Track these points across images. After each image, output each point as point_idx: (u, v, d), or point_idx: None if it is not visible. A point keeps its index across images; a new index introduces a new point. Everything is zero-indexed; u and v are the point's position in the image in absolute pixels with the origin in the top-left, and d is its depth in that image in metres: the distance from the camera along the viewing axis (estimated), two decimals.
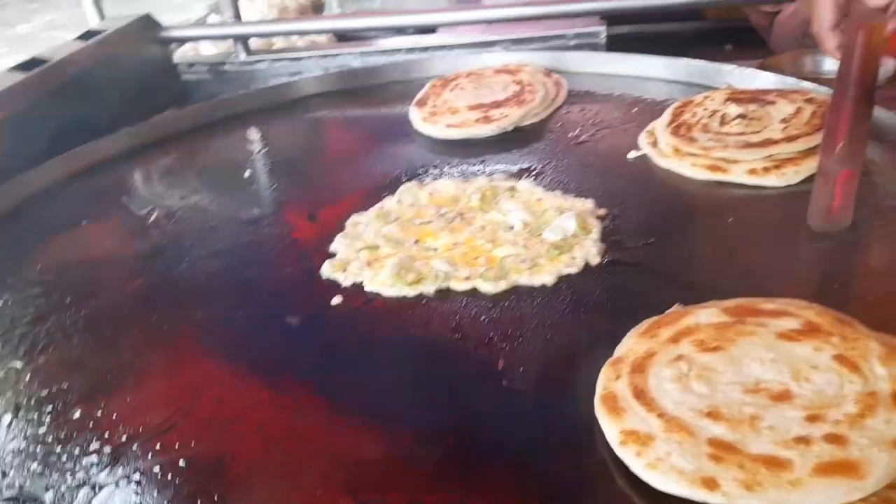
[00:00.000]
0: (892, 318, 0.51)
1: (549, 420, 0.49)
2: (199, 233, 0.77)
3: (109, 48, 1.08)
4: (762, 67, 0.92)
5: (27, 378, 0.58)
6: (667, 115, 0.82)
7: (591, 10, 1.02)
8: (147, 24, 1.16)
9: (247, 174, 0.89)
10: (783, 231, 0.67)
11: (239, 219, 0.79)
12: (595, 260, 0.64)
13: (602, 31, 1.08)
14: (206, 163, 0.95)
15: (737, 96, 0.82)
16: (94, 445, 0.50)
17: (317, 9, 1.73)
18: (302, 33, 1.21)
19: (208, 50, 1.29)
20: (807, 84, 0.83)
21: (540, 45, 1.10)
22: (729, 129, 0.77)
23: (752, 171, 0.72)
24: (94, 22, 1.17)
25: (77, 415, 0.53)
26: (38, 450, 0.51)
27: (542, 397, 0.51)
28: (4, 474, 0.49)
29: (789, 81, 0.85)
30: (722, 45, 1.83)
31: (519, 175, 0.80)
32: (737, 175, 0.72)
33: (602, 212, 0.71)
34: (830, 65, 0.92)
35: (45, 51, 1.05)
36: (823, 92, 0.80)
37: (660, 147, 0.79)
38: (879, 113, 0.76)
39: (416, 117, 0.94)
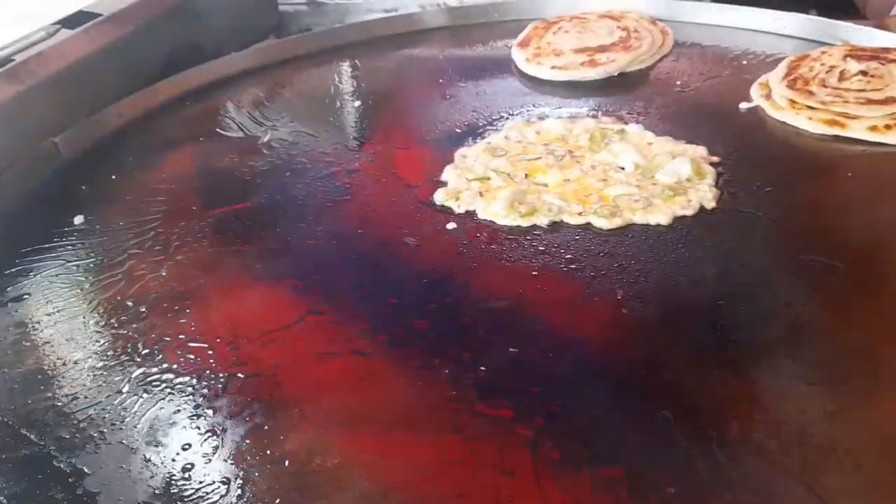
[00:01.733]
0: None
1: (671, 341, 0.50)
2: (311, 154, 0.80)
3: None
4: (881, 27, 0.89)
5: (164, 273, 0.62)
6: (782, 68, 0.81)
7: None
8: None
9: (354, 104, 0.90)
10: None
11: (347, 146, 0.81)
12: (710, 204, 0.64)
13: None
14: (310, 91, 0.96)
15: (856, 53, 0.80)
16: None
17: None
18: None
19: None
20: None
21: None
22: (849, 85, 0.75)
23: (874, 128, 0.71)
24: None
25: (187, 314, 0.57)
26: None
27: (662, 326, 0.52)
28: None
29: None
30: (807, 8, 1.77)
31: (627, 119, 0.80)
32: (857, 131, 0.71)
33: (716, 159, 0.71)
34: None
35: None
36: None
37: (774, 99, 0.78)
38: None
39: (520, 57, 0.94)
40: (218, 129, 0.87)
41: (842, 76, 0.77)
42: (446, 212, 0.67)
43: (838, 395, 0.45)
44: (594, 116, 0.82)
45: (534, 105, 0.86)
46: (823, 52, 0.82)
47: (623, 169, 0.71)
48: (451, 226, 0.65)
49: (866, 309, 0.53)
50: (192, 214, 0.70)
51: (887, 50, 0.81)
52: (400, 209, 0.69)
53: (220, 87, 0.98)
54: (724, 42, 0.96)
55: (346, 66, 1.03)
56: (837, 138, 0.72)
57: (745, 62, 0.90)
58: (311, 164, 0.78)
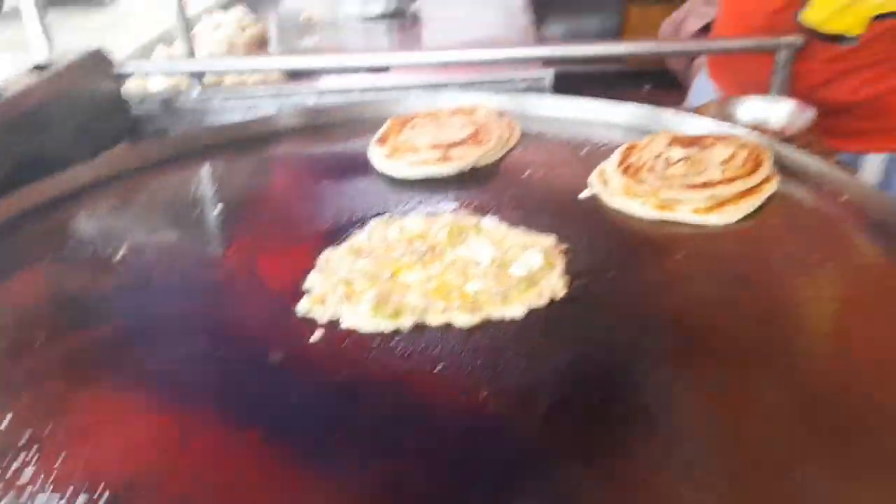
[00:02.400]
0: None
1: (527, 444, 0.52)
2: (168, 271, 0.78)
3: (61, 82, 1.07)
4: (698, 113, 1.00)
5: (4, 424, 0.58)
6: (616, 157, 0.89)
7: (538, 56, 1.08)
8: (98, 59, 1.15)
9: (213, 212, 0.89)
10: (727, 264, 0.73)
11: (206, 258, 0.80)
12: (561, 293, 0.69)
13: (548, 75, 1.15)
14: (166, 200, 0.95)
15: (679, 140, 0.90)
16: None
17: (262, 44, 1.76)
18: (259, 71, 1.22)
19: (158, 83, 1.29)
20: (739, 130, 0.91)
21: (490, 88, 1.16)
22: (673, 171, 0.84)
23: (697, 211, 0.78)
24: (40, 54, 1.16)
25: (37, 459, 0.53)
26: None
27: (521, 424, 0.54)
28: None
29: (724, 127, 0.93)
30: (641, 86, 1.97)
31: (482, 212, 0.84)
32: (682, 214, 0.79)
33: (564, 247, 0.76)
34: (745, 113, 1.01)
35: None
36: (752, 137, 0.89)
37: (611, 187, 0.85)
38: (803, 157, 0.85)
39: (378, 154, 0.97)
40: (67, 247, 0.84)
41: (667, 163, 0.85)
42: (311, 321, 0.68)
43: (692, 475, 0.49)
44: (453, 211, 0.85)
45: (395, 202, 0.89)
46: (651, 140, 0.91)
47: (480, 263, 0.74)
48: (315, 336, 0.65)
49: (704, 383, 0.57)
50: (38, 348, 0.66)
51: (704, 136, 0.90)
52: (264, 322, 0.69)
53: (69, 199, 0.94)
54: (564, 133, 1.04)
55: (205, 171, 1.02)
56: (668, 222, 0.79)
57: (583, 151, 0.97)
58: (168, 279, 0.76)
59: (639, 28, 3.27)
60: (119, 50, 1.27)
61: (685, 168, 0.84)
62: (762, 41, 1.10)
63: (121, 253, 0.81)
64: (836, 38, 1.10)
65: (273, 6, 2.29)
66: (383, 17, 2.00)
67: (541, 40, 2.51)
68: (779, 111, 1.00)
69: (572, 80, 1.29)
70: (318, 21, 2.07)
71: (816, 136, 1.03)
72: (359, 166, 1.00)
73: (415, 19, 2.04)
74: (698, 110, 1.03)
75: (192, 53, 1.20)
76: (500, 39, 1.78)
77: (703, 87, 1.38)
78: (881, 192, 0.76)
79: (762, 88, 1.14)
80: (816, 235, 0.76)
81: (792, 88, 1.15)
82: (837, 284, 0.69)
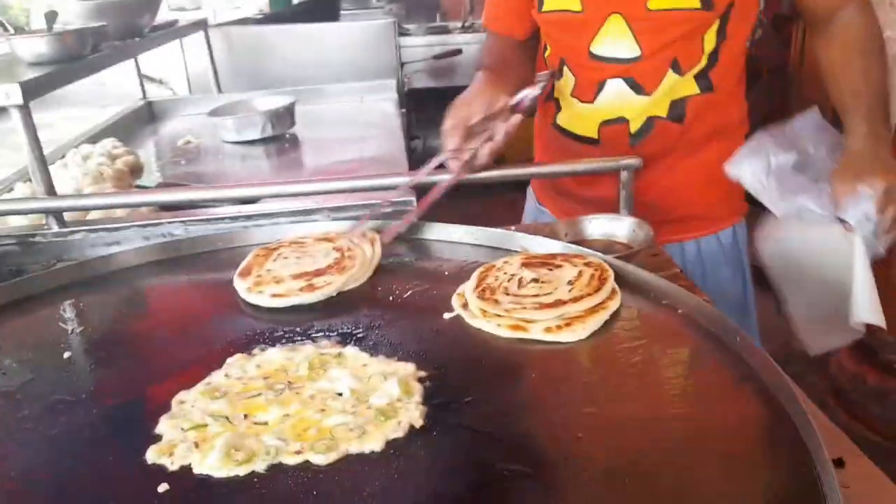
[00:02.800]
0: None
1: None
2: (8, 424, 0.73)
3: None
4: (547, 235, 1.07)
5: None
6: (473, 280, 0.93)
7: (399, 184, 1.14)
8: None
9: (65, 355, 0.85)
10: (577, 382, 0.77)
11: (54, 405, 0.76)
12: (419, 422, 0.69)
13: (413, 200, 1.20)
14: (17, 344, 0.90)
15: (530, 261, 0.95)
16: None
17: (135, 172, 1.74)
18: (120, 206, 1.21)
19: (16, 220, 1.25)
20: (584, 249, 0.98)
21: (359, 212, 1.19)
22: (525, 292, 0.88)
23: (548, 329, 0.82)
24: None
25: None
26: None
27: None
28: None
29: (571, 247, 0.99)
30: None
31: (345, 341, 0.85)
32: (535, 333, 0.82)
33: (423, 374, 0.77)
34: (594, 229, 1.10)
35: None
36: (597, 257, 0.95)
37: (470, 309, 0.88)
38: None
39: (242, 287, 0.97)
40: None
41: (520, 283, 0.90)
42: (160, 471, 0.65)
43: None
44: (314, 340, 0.86)
45: (261, 334, 0.88)
46: (505, 262, 0.96)
47: (341, 395, 0.75)
48: (162, 488, 0.63)
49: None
50: None
51: (553, 256, 0.96)
52: (109, 477, 0.65)
53: None
54: (428, 253, 1.07)
55: (64, 310, 0.98)
56: (523, 340, 0.83)
57: (446, 272, 1.01)
58: (6, 436, 0.71)
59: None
60: None
61: (536, 288, 0.88)
62: (606, 163, 1.20)
63: None
64: (585, 140, 1.28)
65: (149, 133, 2.29)
66: (261, 140, 2.04)
67: (418, 156, 2.64)
68: (622, 227, 1.09)
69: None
70: (196, 146, 2.08)
71: (659, 248, 1.13)
72: (225, 298, 0.99)
73: (293, 141, 2.10)
74: (550, 229, 1.10)
75: (51, 189, 1.17)
76: (375, 157, 1.85)
77: (531, 205, 1.51)
78: (710, 307, 0.82)
79: (584, 206, 1.26)
80: (658, 347, 0.81)
81: (566, 185, 1.32)
82: (682, 398, 0.73)
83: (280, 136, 2.07)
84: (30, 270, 1.19)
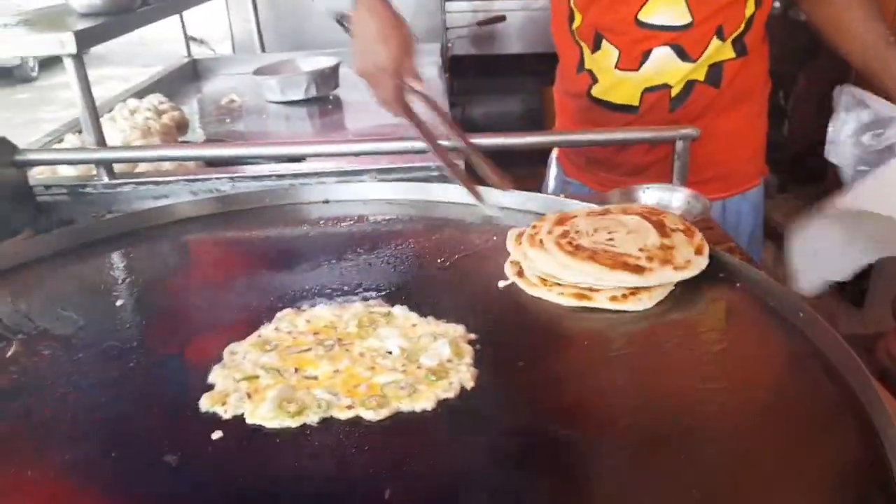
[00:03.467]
0: None
1: None
2: (63, 367, 0.74)
3: None
4: (599, 203, 1.04)
5: None
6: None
7: (450, 147, 1.12)
8: (1, 147, 1.12)
9: (118, 303, 0.86)
10: (631, 352, 0.75)
11: (107, 351, 0.77)
12: (470, 384, 0.68)
13: (461, 164, 1.18)
14: (69, 291, 0.91)
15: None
16: None
17: (181, 128, 1.75)
18: (170, 160, 1.21)
19: (67, 171, 1.26)
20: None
21: (405, 174, 1.18)
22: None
23: (613, 298, 0.80)
24: None
25: None
26: None
27: None
28: None
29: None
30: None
31: (393, 300, 0.84)
32: (600, 301, 0.80)
33: (473, 336, 0.76)
34: (648, 198, 1.07)
35: None
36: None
37: (527, 277, 0.86)
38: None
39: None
40: None
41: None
42: (213, 419, 0.65)
43: None
44: (365, 300, 0.85)
45: (305, 290, 0.88)
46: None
47: (391, 353, 0.74)
48: (216, 435, 0.63)
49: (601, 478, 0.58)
50: None
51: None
52: (163, 422, 0.66)
53: None
54: (471, 217, 1.06)
55: (111, 260, 0.99)
56: (586, 309, 0.81)
57: (494, 237, 0.99)
58: (62, 379, 0.72)
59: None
60: (41, 126, 1.24)
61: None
62: (663, 132, 1.17)
63: (10, 352, 0.77)
64: (623, 108, 1.27)
65: (193, 91, 2.29)
66: (305, 101, 2.03)
67: (461, 123, 2.61)
68: (677, 198, 1.06)
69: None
70: (240, 105, 2.08)
71: (714, 222, 1.10)
72: (272, 253, 1.00)
73: (336, 103, 2.08)
74: (602, 198, 1.08)
75: (102, 141, 1.18)
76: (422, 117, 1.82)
77: (557, 178, 1.49)
78: (772, 281, 0.80)
79: (618, 174, 1.31)
80: (719, 321, 0.79)
81: (599, 154, 1.31)
82: (743, 372, 0.71)
83: (324, 98, 2.05)
84: (80, 221, 1.20)
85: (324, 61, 2.09)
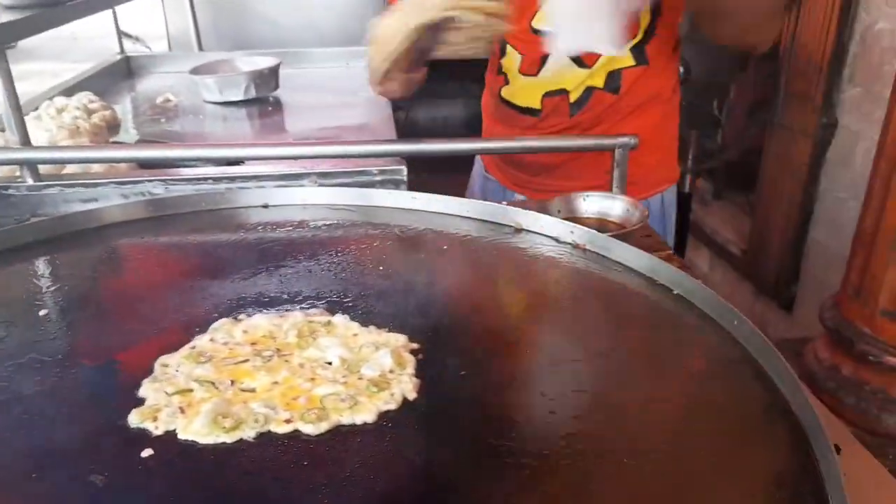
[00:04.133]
0: None
1: None
2: None
3: None
4: (540, 210, 1.05)
5: None
6: None
7: (394, 152, 1.11)
8: None
9: (41, 312, 0.82)
10: (571, 362, 0.75)
11: (28, 364, 0.73)
12: (412, 395, 0.67)
13: (403, 169, 1.17)
14: None
15: None
16: None
17: (112, 128, 1.68)
18: (99, 161, 1.16)
19: None
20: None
21: (347, 179, 1.17)
22: None
23: None
24: None
25: None
26: None
27: None
28: None
29: (565, 223, 0.98)
30: None
31: (334, 309, 0.83)
32: None
33: (415, 345, 0.75)
34: (588, 206, 1.08)
35: None
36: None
37: None
38: None
39: None
40: None
41: None
42: (143, 435, 0.62)
43: None
44: (302, 308, 0.83)
45: (242, 300, 0.85)
46: None
47: (331, 364, 0.72)
48: (146, 453, 0.60)
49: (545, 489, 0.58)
50: None
51: None
52: (88, 439, 0.63)
53: None
54: (425, 223, 1.05)
55: (38, 266, 0.94)
56: (529, 316, 0.81)
57: (438, 243, 0.99)
58: None
59: None
60: None
61: None
62: (601, 140, 1.19)
63: None
64: (526, 111, 1.35)
65: (126, 90, 2.21)
66: (244, 102, 1.98)
67: (405, 126, 2.60)
68: (617, 206, 1.08)
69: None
70: (176, 104, 2.02)
71: (651, 229, 1.12)
72: (209, 260, 0.96)
73: (276, 105, 2.04)
74: (541, 205, 1.09)
75: (27, 140, 1.12)
76: (360, 125, 1.81)
77: (478, 172, 1.58)
78: (707, 289, 0.81)
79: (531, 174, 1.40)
80: (655, 328, 0.80)
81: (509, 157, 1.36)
82: (678, 379, 0.73)
83: (263, 99, 2.01)
84: (2, 224, 1.14)
85: (264, 61, 2.05)
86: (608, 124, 1.32)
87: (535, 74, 1.31)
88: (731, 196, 3.16)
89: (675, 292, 0.85)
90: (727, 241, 2.88)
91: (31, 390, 0.69)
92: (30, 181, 1.13)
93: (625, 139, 1.16)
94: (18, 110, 1.09)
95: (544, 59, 1.29)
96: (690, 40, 1.41)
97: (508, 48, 1.33)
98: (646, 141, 1.24)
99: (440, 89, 3.79)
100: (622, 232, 1.00)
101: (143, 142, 1.35)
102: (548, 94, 1.31)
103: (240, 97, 1.96)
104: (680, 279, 0.85)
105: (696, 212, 2.94)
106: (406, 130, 2.43)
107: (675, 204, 1.49)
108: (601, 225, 1.07)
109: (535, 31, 1.26)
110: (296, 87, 2.12)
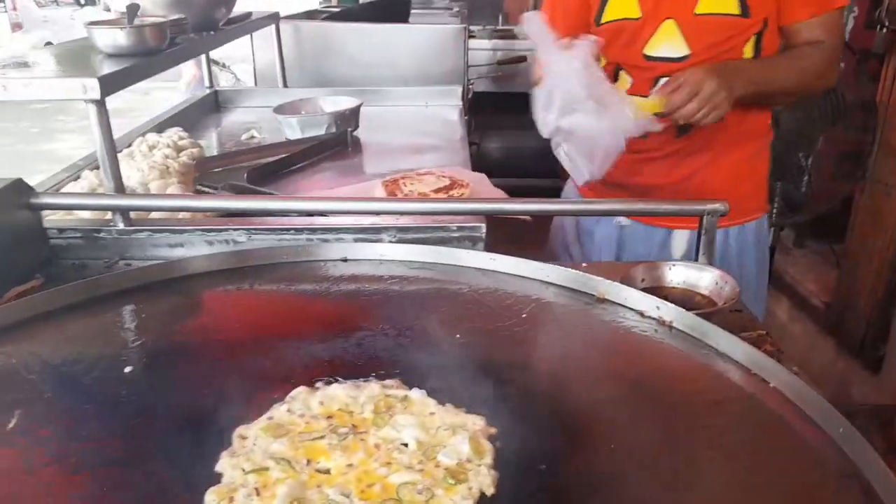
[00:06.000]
0: None
1: None
2: (62, 447, 0.71)
3: None
4: (623, 279, 1.01)
5: None
6: None
7: (476, 211, 1.09)
8: (18, 189, 1.10)
9: (128, 369, 0.83)
10: (665, 463, 0.71)
11: (110, 431, 0.74)
12: (490, 490, 0.65)
13: (482, 227, 1.16)
14: (75, 353, 0.88)
15: None
16: None
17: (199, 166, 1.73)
18: (186, 210, 1.19)
19: (82, 213, 1.24)
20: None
21: (426, 234, 1.16)
22: None
23: None
24: None
25: None
26: None
27: None
28: None
29: (647, 297, 0.94)
30: None
31: (409, 380, 0.81)
32: None
33: (493, 430, 0.73)
34: (674, 276, 1.04)
35: None
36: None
37: None
38: None
39: None
40: None
41: None
42: None
43: None
44: (380, 377, 0.82)
45: (318, 362, 0.85)
46: None
47: (406, 446, 0.71)
48: None
49: None
50: None
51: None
52: None
53: None
54: (502, 286, 1.03)
55: (124, 317, 0.97)
56: (611, 402, 0.78)
57: (514, 309, 0.96)
58: (56, 466, 0.69)
59: None
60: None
61: None
62: (690, 206, 1.14)
63: (14, 421, 0.74)
64: None
65: (213, 123, 2.29)
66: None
67: (477, 157, 2.59)
68: (705, 278, 1.03)
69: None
70: (259, 141, 2.07)
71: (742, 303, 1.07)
72: (286, 314, 0.97)
73: (355, 144, 2.06)
74: (628, 274, 1.05)
75: (120, 184, 1.16)
76: (439, 166, 1.81)
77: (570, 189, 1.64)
78: (806, 387, 0.76)
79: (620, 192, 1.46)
80: (751, 429, 0.76)
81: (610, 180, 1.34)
82: (777, 493, 0.68)
83: (343, 137, 2.03)
84: (92, 265, 1.18)
85: (346, 101, 2.08)
86: (713, 152, 1.41)
87: (647, 95, 1.34)
88: (814, 245, 3.02)
89: (771, 385, 0.80)
90: (809, 292, 2.75)
91: (109, 458, 0.70)
92: (120, 225, 1.16)
93: (715, 205, 1.11)
94: (114, 157, 1.13)
95: (655, 80, 1.36)
96: None
97: (621, 73, 1.42)
98: (744, 172, 1.37)
99: (513, 121, 3.79)
100: (713, 310, 0.95)
101: (228, 187, 1.38)
102: (658, 115, 1.31)
103: (321, 133, 1.99)
104: (777, 371, 0.80)
105: (777, 259, 2.82)
106: (477, 162, 2.42)
107: (766, 230, 1.56)
108: (687, 297, 1.02)
109: (648, 58, 1.36)
110: (374, 126, 2.14)
